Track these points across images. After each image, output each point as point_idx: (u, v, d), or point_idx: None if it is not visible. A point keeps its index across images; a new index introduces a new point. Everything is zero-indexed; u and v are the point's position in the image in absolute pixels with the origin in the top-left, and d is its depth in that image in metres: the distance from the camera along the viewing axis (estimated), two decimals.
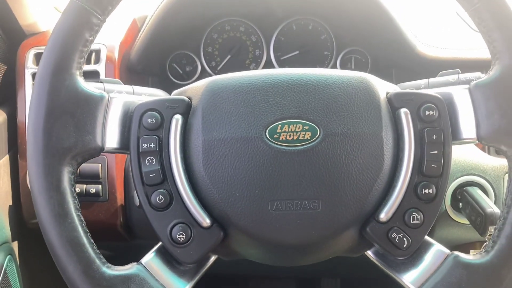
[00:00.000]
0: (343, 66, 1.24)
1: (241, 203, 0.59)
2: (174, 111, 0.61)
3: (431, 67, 1.03)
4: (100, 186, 0.99)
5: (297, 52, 1.23)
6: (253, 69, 1.25)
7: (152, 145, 0.60)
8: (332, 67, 1.24)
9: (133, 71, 1.08)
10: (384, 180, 0.60)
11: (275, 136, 0.60)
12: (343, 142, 0.58)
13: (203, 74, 1.25)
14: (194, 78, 1.24)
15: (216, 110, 0.63)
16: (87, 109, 0.59)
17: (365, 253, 0.68)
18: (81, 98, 0.58)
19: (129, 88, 0.80)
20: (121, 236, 1.04)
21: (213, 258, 0.67)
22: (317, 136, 0.60)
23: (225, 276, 1.64)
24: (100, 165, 0.99)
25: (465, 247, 1.01)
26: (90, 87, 0.61)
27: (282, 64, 1.25)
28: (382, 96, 0.65)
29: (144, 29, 1.06)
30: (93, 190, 0.99)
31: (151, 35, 1.06)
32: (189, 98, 0.62)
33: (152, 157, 0.60)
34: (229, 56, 1.24)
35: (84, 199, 1.00)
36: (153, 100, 0.63)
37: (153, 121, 0.61)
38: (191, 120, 0.61)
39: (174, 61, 1.24)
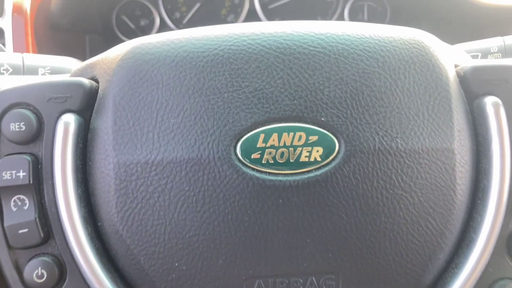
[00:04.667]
0: (353, 18, 0.92)
1: (192, 283, 0.30)
2: (63, 106, 0.33)
3: (484, 21, 0.72)
4: None
5: None
6: (232, 22, 0.93)
7: (22, 173, 0.35)
8: (337, 20, 0.93)
9: (59, 27, 0.76)
10: (455, 231, 0.36)
11: (254, 156, 0.31)
12: (383, 165, 0.32)
13: (164, 30, 0.93)
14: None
15: (141, 104, 0.34)
16: None
17: None
18: None
19: (16, 58, 0.50)
20: None
21: None
22: (334, 155, 0.31)
23: None
24: None
25: None
26: None
27: (270, 15, 0.93)
28: (451, 73, 0.36)
29: None
30: None
31: None
32: (94, 80, 0.36)
33: (22, 197, 0.35)
34: (198, 4, 0.91)
35: None
36: (23, 86, 0.33)
37: (21, 127, 0.33)
38: (95, 123, 0.32)
39: (123, 12, 0.91)
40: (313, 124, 0.33)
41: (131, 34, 0.92)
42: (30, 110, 0.34)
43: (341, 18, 0.93)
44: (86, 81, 0.35)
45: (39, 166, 0.34)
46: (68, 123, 0.34)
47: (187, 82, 0.33)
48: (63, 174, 0.33)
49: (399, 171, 0.33)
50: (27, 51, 0.72)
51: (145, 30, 0.92)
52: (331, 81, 0.33)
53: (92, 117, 0.35)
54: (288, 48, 0.34)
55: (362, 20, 0.93)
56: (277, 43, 0.34)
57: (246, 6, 0.92)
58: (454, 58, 0.38)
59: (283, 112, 0.33)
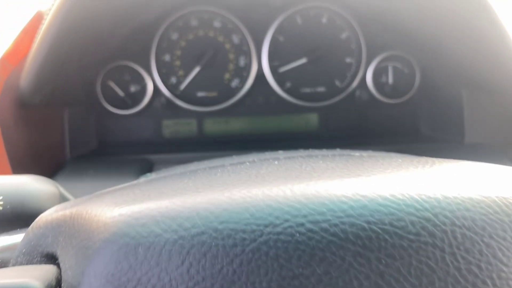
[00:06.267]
0: (377, 81, 0.80)
1: None
2: None
3: None
4: None
5: (304, 60, 0.79)
6: (237, 87, 0.80)
7: None
8: (359, 84, 0.81)
9: (31, 105, 0.62)
10: None
11: None
12: None
13: (158, 97, 0.80)
14: (143, 105, 0.79)
15: None
16: None
17: None
18: None
19: None
20: None
21: None
22: None
23: None
24: None
25: None
26: None
27: (281, 79, 0.81)
28: None
29: (45, 25, 0.60)
30: None
31: (60, 35, 0.60)
32: (55, 263, 0.24)
33: None
34: (197, 68, 0.79)
35: None
36: None
37: None
38: None
39: (110, 77, 0.78)
40: None
41: (119, 103, 0.78)
42: None
43: (363, 82, 0.81)
44: (33, 284, 0.21)
45: None
46: None
47: None
48: None
49: None
50: None
51: (136, 98, 0.79)
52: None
53: None
54: (375, 238, 0.20)
55: (386, 83, 0.81)
56: (357, 229, 0.20)
57: (254, 69, 0.80)
58: None
59: None
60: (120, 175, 0.62)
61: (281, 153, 0.31)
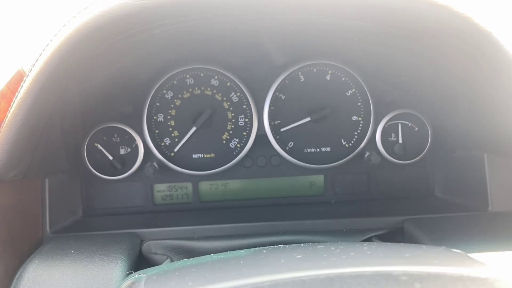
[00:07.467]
0: (385, 138, 0.75)
1: None
2: None
3: None
4: None
5: (307, 118, 0.74)
6: (235, 147, 0.74)
7: None
8: (368, 143, 0.75)
9: (5, 180, 0.55)
10: None
11: None
12: None
13: (149, 161, 0.73)
14: (133, 169, 0.72)
15: None
16: None
17: None
18: None
19: None
20: None
21: None
22: None
23: None
24: None
25: None
26: None
27: (283, 139, 0.75)
28: None
29: (24, 87, 0.53)
30: None
31: (41, 99, 0.53)
32: None
33: None
34: (193, 129, 0.73)
35: None
36: None
37: None
38: None
39: (96, 139, 0.71)
40: None
41: (107, 168, 0.71)
42: None
43: (372, 141, 0.75)
44: None
45: None
46: None
47: None
48: None
49: None
50: None
51: (126, 161, 0.72)
52: None
53: None
54: None
55: (395, 142, 0.75)
56: None
57: (254, 129, 0.74)
58: None
59: None
60: (104, 256, 0.54)
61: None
